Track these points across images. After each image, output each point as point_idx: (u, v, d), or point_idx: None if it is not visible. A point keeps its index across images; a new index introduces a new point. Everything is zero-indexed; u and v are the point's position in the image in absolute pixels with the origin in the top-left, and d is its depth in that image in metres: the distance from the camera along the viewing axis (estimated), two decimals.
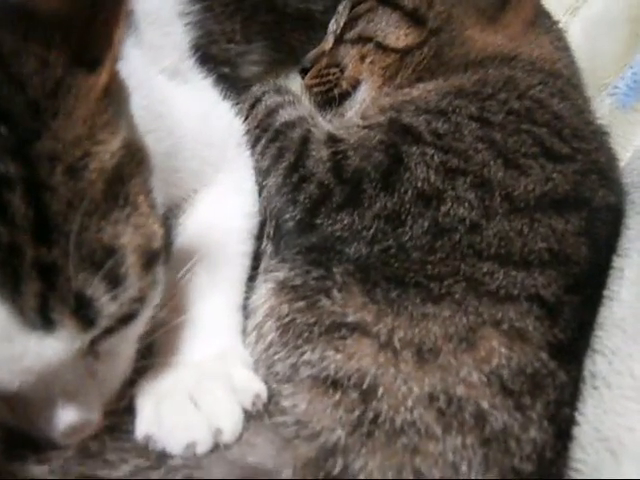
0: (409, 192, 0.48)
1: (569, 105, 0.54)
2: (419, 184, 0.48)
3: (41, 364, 0.28)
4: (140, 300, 0.32)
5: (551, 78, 0.56)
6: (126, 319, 0.32)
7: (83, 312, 0.28)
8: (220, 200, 0.53)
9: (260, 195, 0.55)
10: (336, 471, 0.37)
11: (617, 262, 0.48)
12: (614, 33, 0.86)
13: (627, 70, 0.69)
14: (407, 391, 0.40)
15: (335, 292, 0.45)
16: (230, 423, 0.38)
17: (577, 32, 0.88)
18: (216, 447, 0.37)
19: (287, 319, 0.45)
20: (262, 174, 0.55)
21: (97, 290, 0.28)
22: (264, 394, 0.41)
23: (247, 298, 0.50)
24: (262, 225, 0.55)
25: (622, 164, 0.60)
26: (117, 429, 0.38)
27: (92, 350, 0.31)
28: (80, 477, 0.35)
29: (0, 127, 0.27)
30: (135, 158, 0.34)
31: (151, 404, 0.39)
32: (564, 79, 0.58)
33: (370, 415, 0.39)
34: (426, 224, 0.47)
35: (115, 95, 0.33)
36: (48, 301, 0.27)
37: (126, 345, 0.35)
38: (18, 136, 0.28)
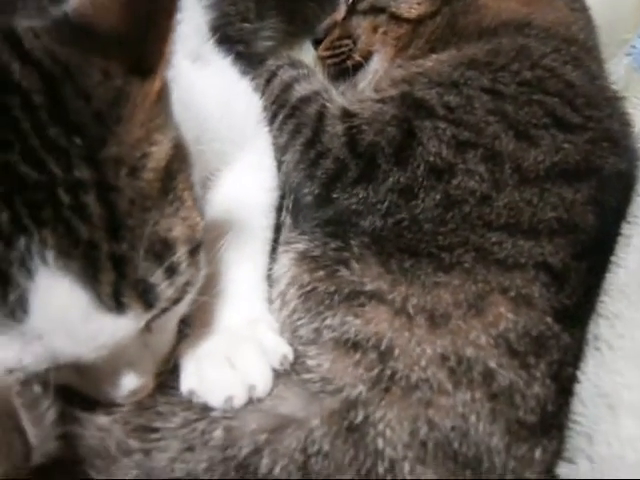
0: (421, 166, 0.50)
1: (582, 72, 0.54)
2: (431, 158, 0.50)
3: (114, 340, 0.33)
4: (188, 284, 0.36)
5: (565, 44, 0.56)
6: (177, 300, 0.36)
7: (147, 296, 0.32)
8: (242, 177, 0.56)
9: (279, 170, 0.57)
10: (358, 420, 0.41)
11: (626, 229, 0.49)
12: None
13: None
14: (421, 352, 0.43)
15: (353, 263, 0.48)
16: (262, 380, 0.43)
17: None
18: (250, 401, 0.42)
19: (308, 287, 0.48)
20: (280, 150, 0.57)
21: (158, 278, 0.32)
22: (291, 355, 0.45)
23: (270, 268, 0.53)
24: (281, 198, 0.58)
25: (637, 128, 0.60)
26: (165, 386, 0.43)
27: (147, 326, 0.36)
28: (139, 426, 0.41)
29: (75, 138, 0.31)
30: (181, 155, 0.37)
31: (193, 364, 0.44)
32: (579, 44, 0.58)
33: (388, 373, 0.42)
34: (438, 197, 0.49)
35: (164, 98, 0.35)
36: (120, 288, 0.31)
37: (173, 320, 0.40)
38: (88, 144, 0.31)
